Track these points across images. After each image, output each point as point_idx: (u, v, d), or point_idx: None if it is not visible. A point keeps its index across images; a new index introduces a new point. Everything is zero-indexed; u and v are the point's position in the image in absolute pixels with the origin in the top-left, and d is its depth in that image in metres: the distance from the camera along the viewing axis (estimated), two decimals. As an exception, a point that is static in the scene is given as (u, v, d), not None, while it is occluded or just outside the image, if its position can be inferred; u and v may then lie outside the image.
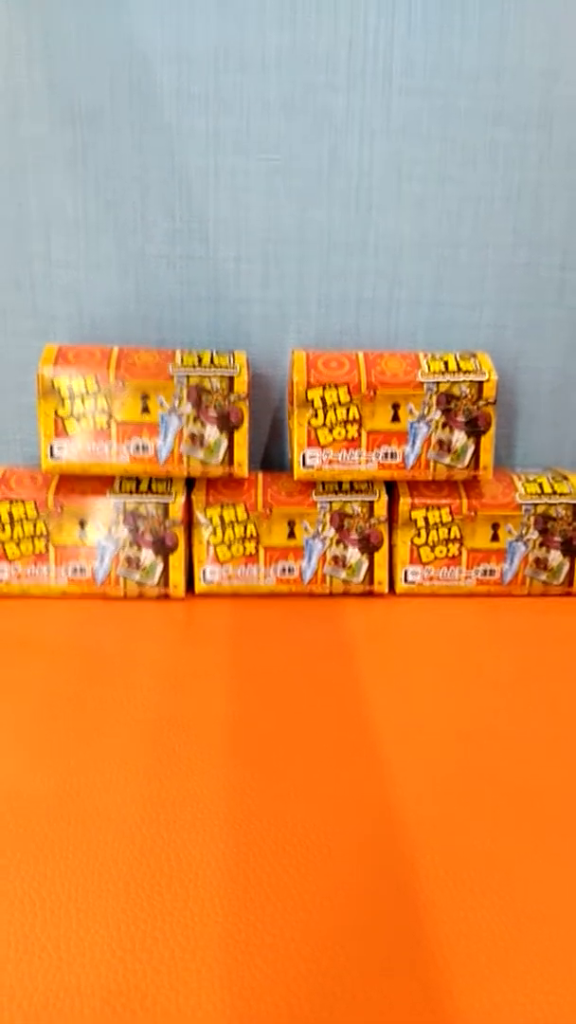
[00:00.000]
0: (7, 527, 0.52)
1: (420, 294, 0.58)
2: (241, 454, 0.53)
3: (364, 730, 0.40)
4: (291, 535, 0.54)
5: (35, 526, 0.53)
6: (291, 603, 0.54)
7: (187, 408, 0.52)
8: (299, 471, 0.53)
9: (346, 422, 0.52)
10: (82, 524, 0.53)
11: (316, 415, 0.52)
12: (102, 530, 0.53)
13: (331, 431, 0.52)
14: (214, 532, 0.54)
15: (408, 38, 0.53)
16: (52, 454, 0.51)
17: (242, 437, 0.53)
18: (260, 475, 0.56)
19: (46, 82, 0.54)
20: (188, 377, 0.52)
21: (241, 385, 0.52)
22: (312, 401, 0.52)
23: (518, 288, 0.58)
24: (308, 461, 0.53)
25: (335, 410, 0.52)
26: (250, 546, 0.54)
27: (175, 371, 0.52)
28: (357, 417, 0.52)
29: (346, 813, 0.34)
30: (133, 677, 0.44)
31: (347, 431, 0.52)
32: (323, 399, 0.52)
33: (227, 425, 0.52)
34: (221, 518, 0.54)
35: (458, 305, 0.59)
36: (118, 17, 0.53)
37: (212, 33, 0.53)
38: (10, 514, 0.52)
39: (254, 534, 0.54)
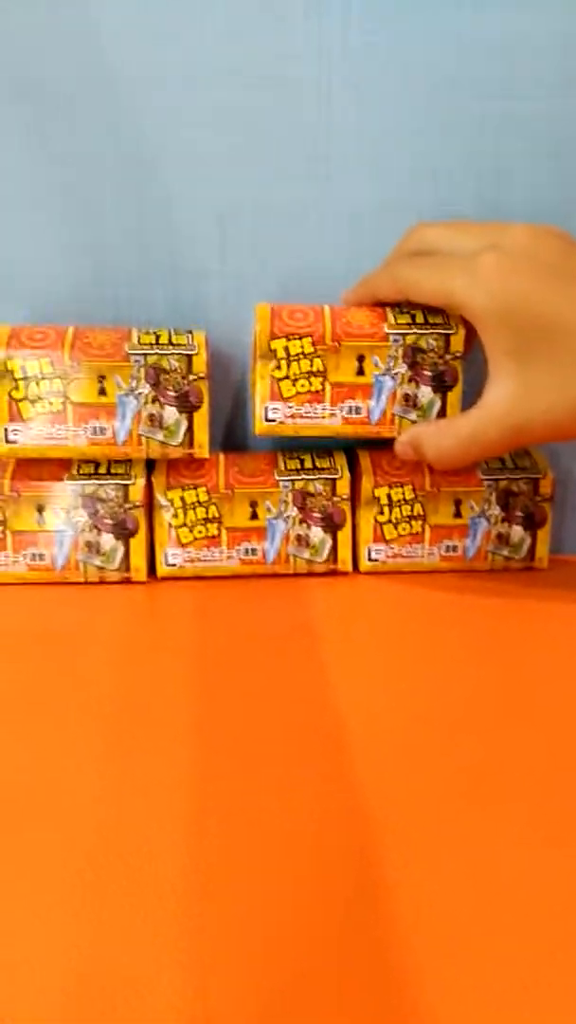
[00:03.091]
0: (-37, 514, 0.51)
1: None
2: (202, 435, 0.52)
3: (329, 711, 0.40)
4: (253, 516, 0.53)
5: (-8, 513, 0.52)
6: (255, 584, 0.54)
7: (145, 388, 0.51)
8: (260, 425, 0.51)
9: (310, 374, 0.50)
10: (40, 509, 0.52)
11: (279, 367, 0.50)
12: (61, 515, 0.52)
13: (294, 383, 0.50)
14: (175, 514, 0.53)
15: (366, 4, 0.52)
16: (7, 438, 0.50)
17: (202, 418, 0.52)
18: (221, 456, 0.55)
19: (1, 61, 0.52)
20: (146, 357, 0.51)
21: (200, 365, 0.51)
22: (275, 352, 0.50)
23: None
24: (270, 415, 0.51)
25: (298, 362, 0.50)
26: (212, 528, 0.53)
27: (132, 351, 0.51)
28: (321, 369, 0.50)
29: (310, 796, 0.34)
30: (95, 663, 0.44)
31: (311, 383, 0.50)
32: (286, 350, 0.50)
33: (186, 405, 0.51)
34: (182, 500, 0.53)
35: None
36: (63, -19, 0.51)
37: (170, 6, 0.52)
38: (-34, 501, 0.51)
39: (216, 516, 0.53)
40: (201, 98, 0.53)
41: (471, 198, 0.56)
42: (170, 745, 0.37)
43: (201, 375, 0.51)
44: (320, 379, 0.50)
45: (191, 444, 0.52)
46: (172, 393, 0.51)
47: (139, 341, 0.51)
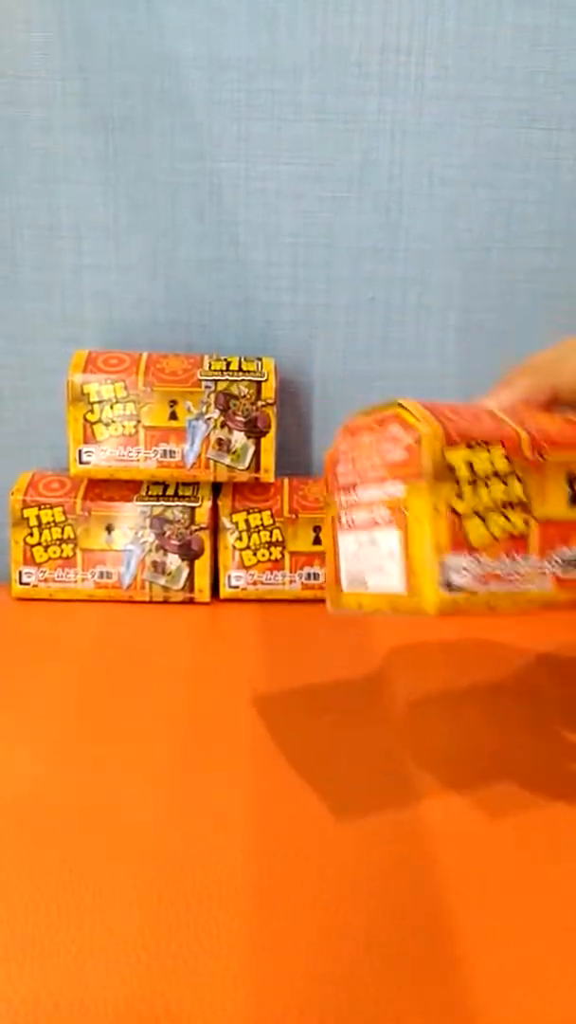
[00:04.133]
0: (36, 531, 0.53)
1: (450, 300, 0.58)
2: (268, 460, 0.53)
3: (391, 736, 0.40)
4: (317, 541, 0.54)
5: (63, 530, 0.53)
6: (316, 609, 0.54)
7: (214, 414, 0.52)
8: (433, 597, 0.28)
9: (507, 506, 0.30)
10: (109, 529, 0.53)
11: (461, 495, 0.29)
12: (129, 535, 0.53)
13: (485, 521, 0.29)
14: (239, 537, 0.54)
15: (440, 41, 0.53)
16: (81, 459, 0.52)
17: (269, 443, 0.53)
18: (286, 481, 0.56)
19: (80, 91, 0.54)
20: (216, 383, 0.52)
21: (268, 391, 0.52)
22: (455, 470, 0.29)
23: (550, 294, 0.58)
24: (453, 576, 0.28)
25: (489, 486, 0.30)
26: (275, 551, 0.54)
27: (203, 377, 0.52)
28: (522, 498, 0.30)
29: (372, 822, 0.34)
30: (158, 682, 0.45)
31: (511, 523, 0.30)
32: (470, 466, 0.29)
33: (254, 431, 0.52)
34: (247, 523, 0.54)
35: (490, 310, 0.58)
36: (150, 28, 0.53)
37: (243, 40, 0.53)
38: (39, 518, 0.53)
39: (279, 539, 0.54)
40: (276, 131, 0.55)
41: (543, 234, 0.56)
42: (231, 766, 0.38)
43: (269, 401, 0.52)
44: (522, 515, 0.30)
45: (257, 468, 0.53)
46: (241, 419, 0.52)
47: (210, 367, 0.53)
